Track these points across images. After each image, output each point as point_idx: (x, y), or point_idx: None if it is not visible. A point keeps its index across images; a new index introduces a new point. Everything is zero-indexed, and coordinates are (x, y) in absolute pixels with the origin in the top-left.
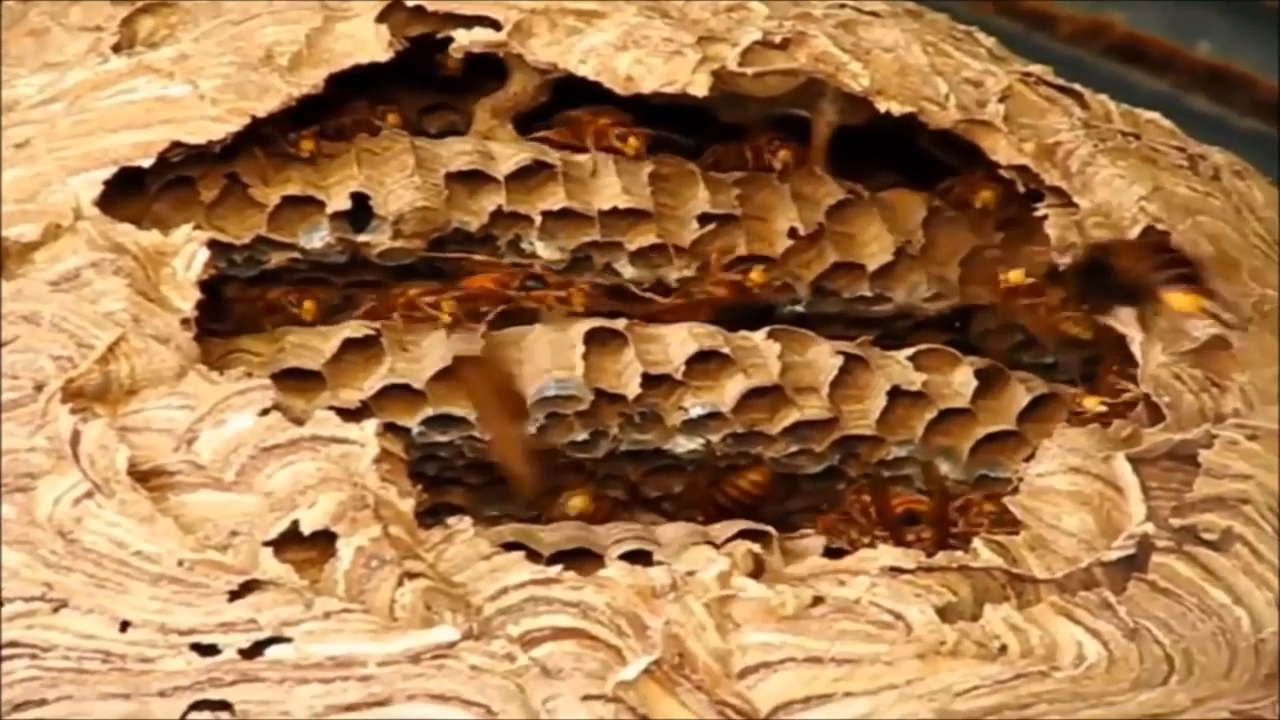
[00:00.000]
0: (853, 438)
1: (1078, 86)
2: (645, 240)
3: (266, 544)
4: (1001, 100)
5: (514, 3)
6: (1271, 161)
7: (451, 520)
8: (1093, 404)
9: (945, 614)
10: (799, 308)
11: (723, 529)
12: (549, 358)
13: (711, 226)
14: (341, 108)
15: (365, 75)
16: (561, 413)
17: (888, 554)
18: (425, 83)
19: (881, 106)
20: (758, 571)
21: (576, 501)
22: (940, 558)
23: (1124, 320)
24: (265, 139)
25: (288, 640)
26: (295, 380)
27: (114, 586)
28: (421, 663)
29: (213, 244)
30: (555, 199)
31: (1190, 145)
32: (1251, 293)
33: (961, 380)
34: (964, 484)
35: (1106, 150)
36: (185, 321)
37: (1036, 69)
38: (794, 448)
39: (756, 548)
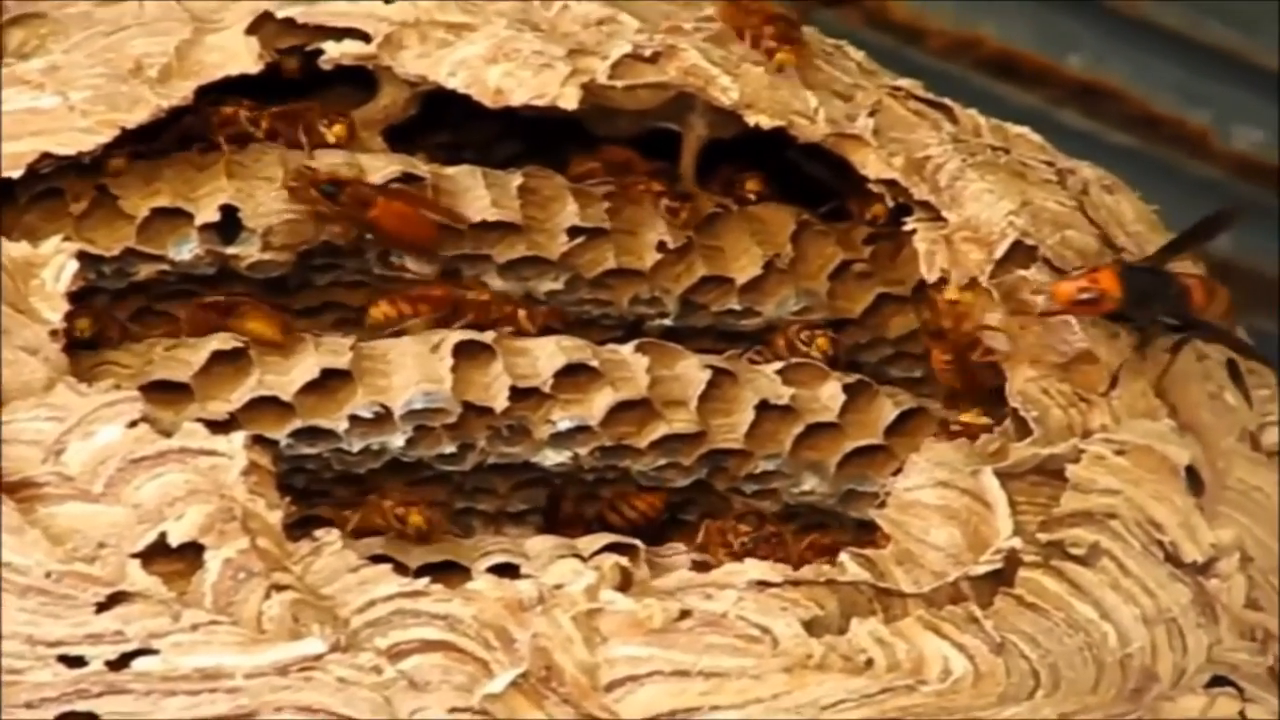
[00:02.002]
0: (721, 451)
1: (947, 101)
2: (514, 253)
3: (134, 556)
4: (871, 114)
5: (384, 15)
6: (1141, 176)
7: (319, 533)
8: (970, 418)
9: (812, 628)
10: (667, 321)
11: (590, 542)
12: (417, 370)
13: (581, 240)
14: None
15: (236, 85)
16: (429, 425)
17: (755, 568)
18: (294, 92)
19: (751, 120)
20: (625, 585)
21: (415, 518)
22: (807, 571)
23: (992, 336)
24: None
25: (155, 652)
26: (164, 392)
27: None
28: (289, 675)
29: (82, 256)
30: None
31: (1059, 160)
32: None
33: (829, 394)
34: (831, 497)
35: (975, 165)
36: (54, 333)
37: (906, 83)
38: (662, 461)
39: (624, 561)
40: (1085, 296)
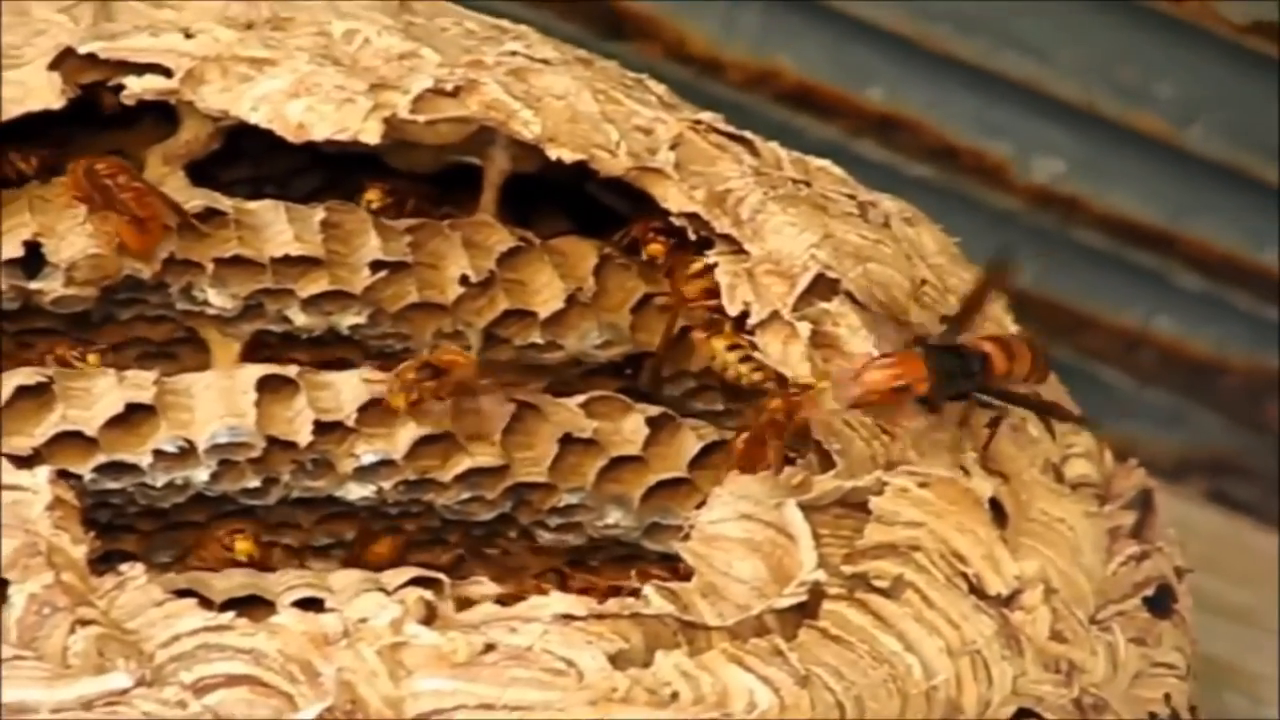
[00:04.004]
0: (524, 485)
1: (748, 134)
2: (317, 288)
3: None
4: (672, 148)
5: (186, 50)
6: (941, 207)
7: (124, 567)
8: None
9: (617, 661)
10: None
11: (394, 575)
12: (221, 404)
13: (384, 274)
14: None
15: (37, 121)
16: (233, 459)
17: (559, 601)
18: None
19: (552, 154)
20: (429, 618)
21: (242, 545)
22: (611, 605)
23: (795, 365)
24: None
25: None
26: None
27: None
28: (94, 709)
29: None
30: (227, 246)
31: (860, 192)
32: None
33: (632, 428)
34: (635, 530)
35: (777, 198)
36: None
37: (707, 116)
38: (466, 495)
39: (429, 594)
40: (897, 384)
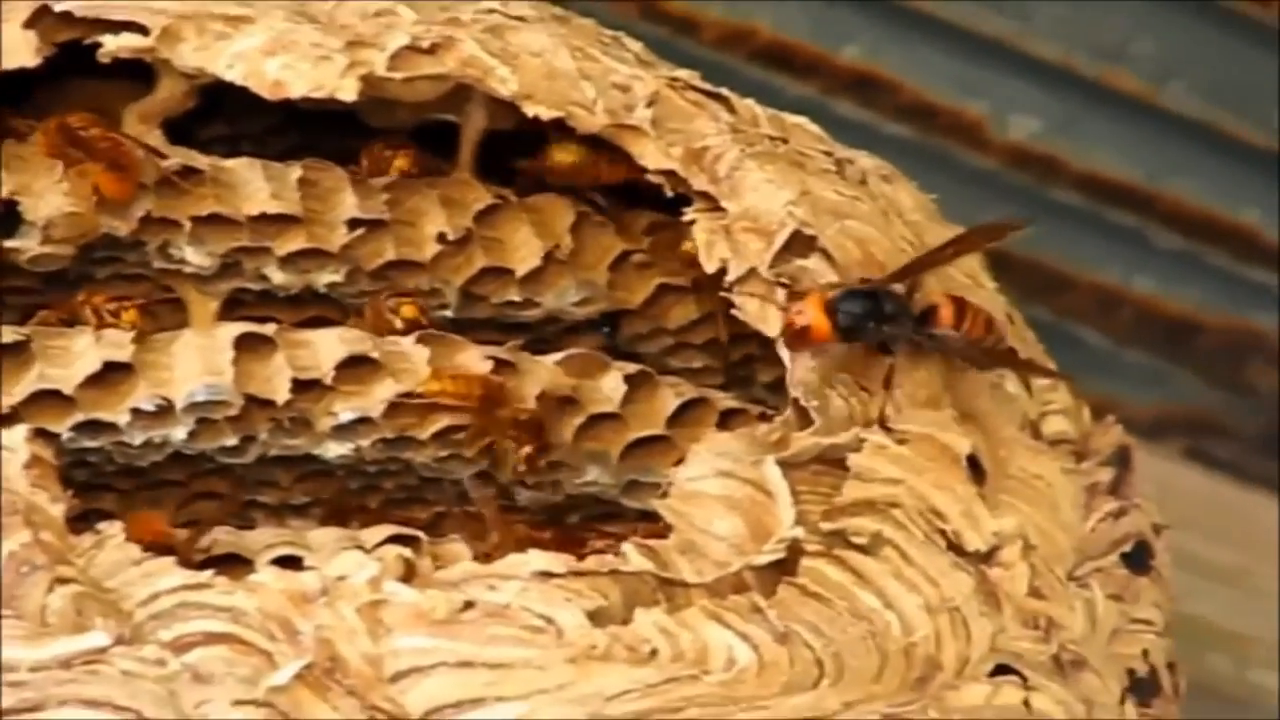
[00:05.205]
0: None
1: (724, 91)
2: (294, 245)
3: None
4: (649, 105)
5: (161, 8)
6: (918, 166)
7: (102, 526)
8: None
9: (596, 618)
10: (448, 313)
11: (372, 534)
12: (198, 362)
13: (361, 231)
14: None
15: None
16: (211, 418)
17: (538, 559)
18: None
19: (529, 111)
20: (408, 576)
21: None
22: (591, 562)
23: (773, 323)
24: None
25: None
26: None
27: None
28: (73, 668)
29: None
30: (204, 204)
31: (837, 150)
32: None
33: (610, 385)
34: (614, 487)
35: (754, 155)
36: None
37: (683, 74)
38: (444, 453)
39: (407, 552)
40: (799, 325)
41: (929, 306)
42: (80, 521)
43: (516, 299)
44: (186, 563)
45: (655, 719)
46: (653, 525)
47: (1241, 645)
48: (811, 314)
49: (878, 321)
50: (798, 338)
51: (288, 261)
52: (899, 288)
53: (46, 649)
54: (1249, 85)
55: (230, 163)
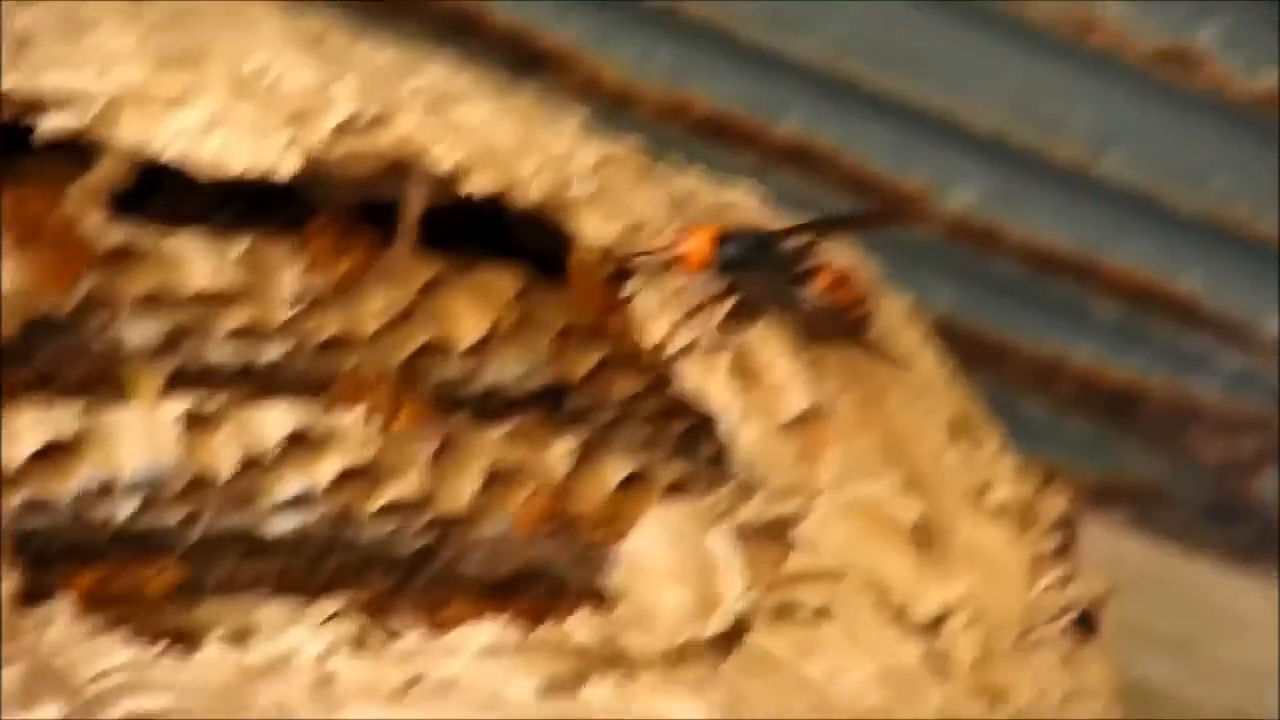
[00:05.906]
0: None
1: (665, 164)
2: (236, 322)
3: None
4: (590, 177)
5: (100, 87)
6: (858, 237)
7: (51, 602)
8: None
9: (545, 691)
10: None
11: (322, 608)
12: (142, 440)
13: (302, 307)
14: None
15: None
16: (156, 495)
17: (487, 631)
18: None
19: (465, 189)
20: (358, 650)
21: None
22: (540, 634)
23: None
24: None
25: None
26: None
27: None
28: None
29: None
30: (146, 281)
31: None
32: None
33: (556, 455)
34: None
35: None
36: None
37: (623, 146)
38: (389, 527)
39: (356, 626)
40: (682, 250)
41: (813, 268)
42: (28, 598)
43: (458, 375)
44: (143, 630)
45: None
46: (601, 597)
47: (1187, 712)
48: (697, 243)
49: (756, 268)
50: (678, 260)
51: (231, 337)
52: (794, 244)
53: None
54: (1185, 153)
55: (172, 237)
